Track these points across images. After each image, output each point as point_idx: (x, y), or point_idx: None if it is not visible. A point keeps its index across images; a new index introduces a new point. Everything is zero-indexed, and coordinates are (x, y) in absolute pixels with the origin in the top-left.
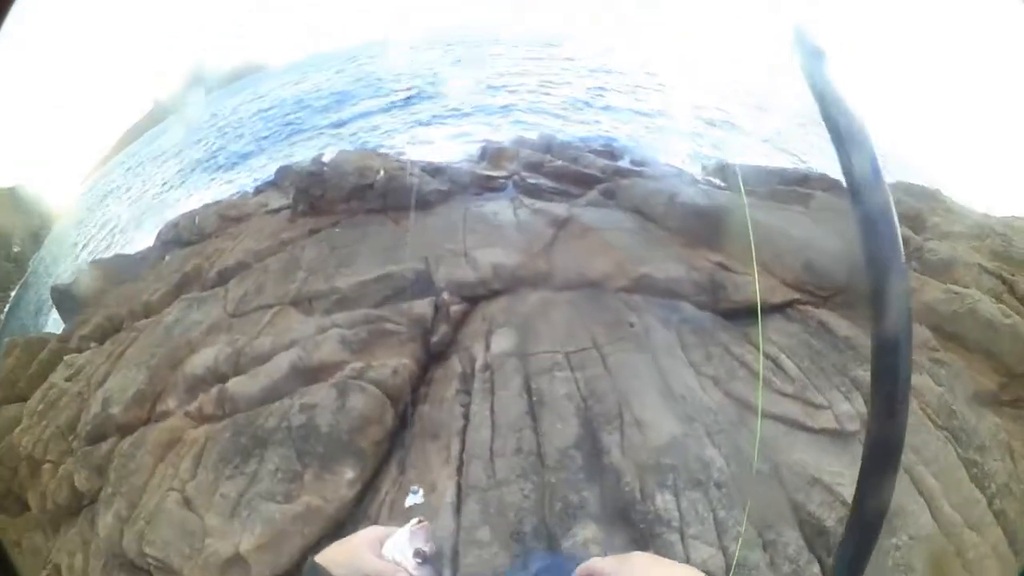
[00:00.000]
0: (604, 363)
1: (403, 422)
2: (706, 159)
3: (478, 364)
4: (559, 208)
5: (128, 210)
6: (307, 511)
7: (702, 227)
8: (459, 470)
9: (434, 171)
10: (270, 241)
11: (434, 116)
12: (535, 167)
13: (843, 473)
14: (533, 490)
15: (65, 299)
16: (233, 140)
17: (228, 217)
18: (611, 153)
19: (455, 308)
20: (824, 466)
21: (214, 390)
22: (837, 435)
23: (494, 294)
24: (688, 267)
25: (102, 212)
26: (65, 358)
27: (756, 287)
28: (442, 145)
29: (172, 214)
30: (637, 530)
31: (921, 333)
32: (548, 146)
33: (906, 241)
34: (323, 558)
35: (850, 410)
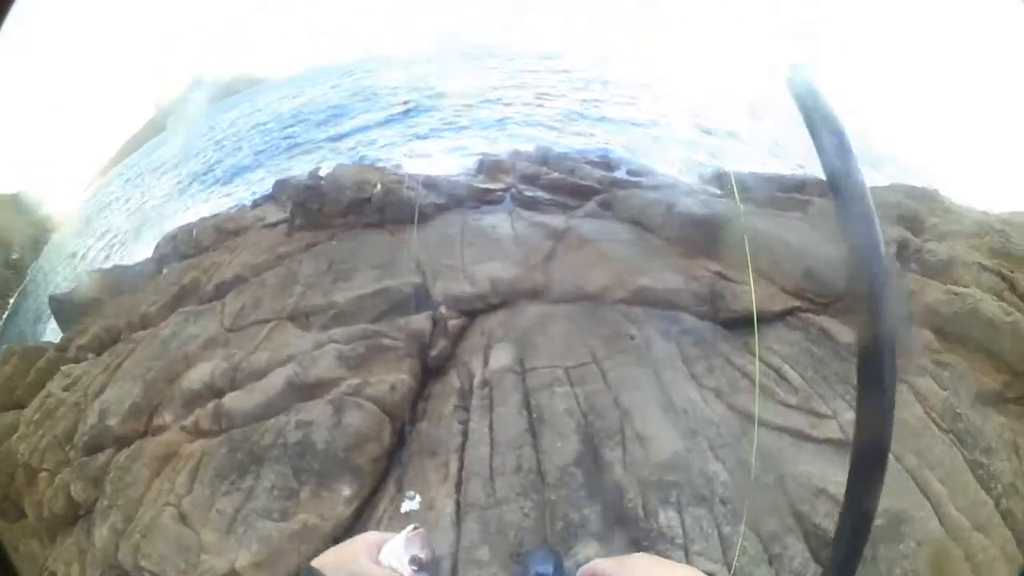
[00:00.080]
0: (604, 378)
1: (401, 439)
2: (703, 167)
3: (476, 380)
4: (556, 220)
5: (127, 221)
6: (304, 529)
7: (700, 236)
8: (458, 488)
9: (431, 184)
10: (267, 255)
11: (431, 129)
12: (532, 179)
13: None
14: (533, 508)
15: (63, 308)
16: (231, 153)
17: (226, 230)
18: (607, 164)
19: (453, 323)
20: (829, 476)
21: (210, 405)
22: (842, 445)
23: (492, 308)
24: (687, 277)
25: (101, 222)
26: (62, 368)
27: (752, 297)
28: (439, 158)
29: (170, 226)
30: (640, 548)
31: (923, 336)
32: (544, 158)
33: (905, 244)
34: (320, 563)
35: (852, 416)
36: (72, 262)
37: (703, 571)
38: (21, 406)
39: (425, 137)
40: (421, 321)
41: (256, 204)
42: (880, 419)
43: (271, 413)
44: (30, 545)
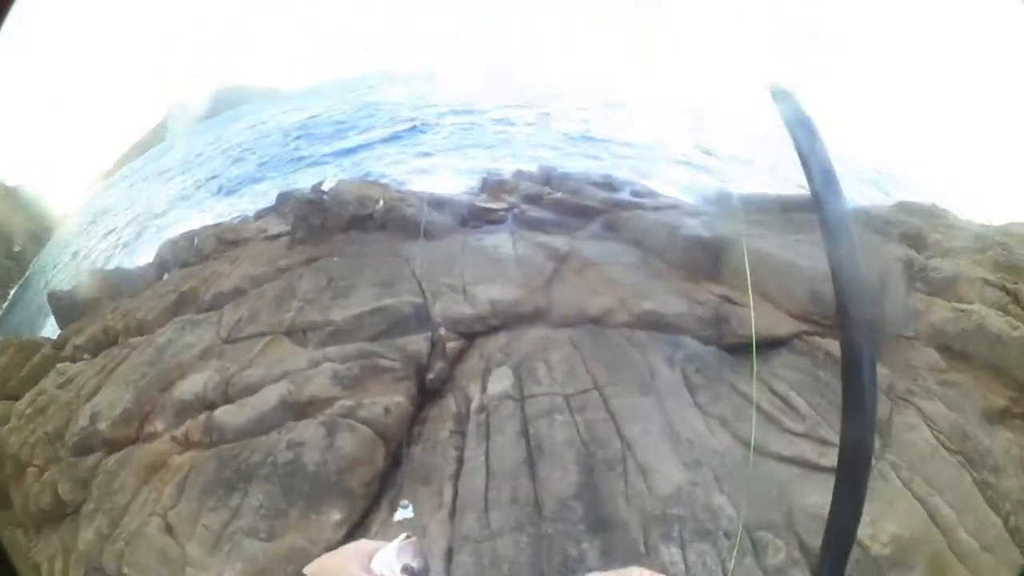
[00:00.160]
0: (606, 406)
1: (395, 462)
2: (706, 188)
3: (474, 405)
4: (559, 241)
5: (130, 224)
6: (291, 551)
7: (704, 259)
8: (451, 518)
9: (433, 202)
10: (267, 267)
11: (434, 147)
12: (535, 199)
13: None
14: (529, 543)
15: (62, 306)
16: (236, 163)
17: (227, 240)
18: (611, 185)
19: (452, 345)
20: None
21: (202, 417)
22: None
23: (492, 330)
24: (691, 301)
25: (105, 223)
26: (58, 365)
27: (752, 322)
28: (442, 176)
29: (172, 233)
30: None
31: (929, 356)
32: (547, 178)
33: (910, 263)
34: (311, 571)
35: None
36: (74, 260)
37: None
38: (14, 398)
39: (429, 155)
40: (419, 342)
41: (259, 215)
42: (862, 426)
43: (262, 430)
44: (14, 535)
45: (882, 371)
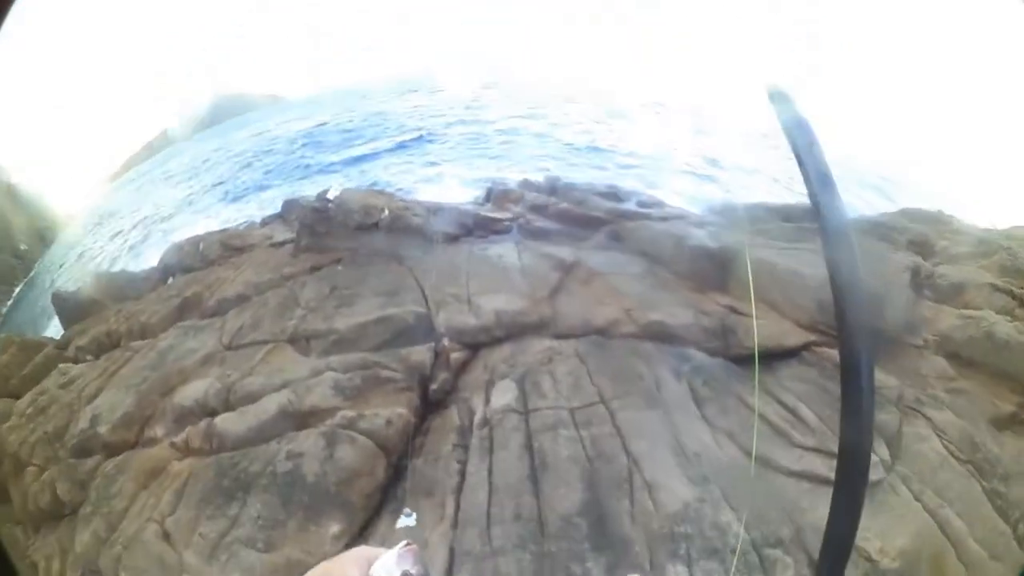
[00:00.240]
0: (612, 420)
1: (397, 474)
2: (712, 198)
3: (477, 418)
4: (564, 252)
5: (137, 227)
6: (288, 563)
7: (711, 269)
8: (452, 533)
9: (438, 212)
10: (271, 274)
11: (440, 157)
12: (540, 209)
13: (868, 527)
14: (532, 561)
15: (66, 306)
16: (242, 171)
17: (232, 246)
18: (616, 195)
19: (455, 355)
20: None
21: (202, 424)
22: None
23: (496, 341)
24: (697, 312)
25: (111, 225)
26: (60, 366)
27: (755, 332)
28: (447, 186)
29: (178, 237)
30: None
31: (937, 364)
32: (553, 188)
33: (917, 270)
34: None
35: (872, 458)
36: (80, 261)
37: None
38: (14, 396)
39: (435, 164)
40: (422, 353)
41: (265, 222)
42: (860, 430)
43: (262, 439)
44: (13, 531)
45: (891, 381)
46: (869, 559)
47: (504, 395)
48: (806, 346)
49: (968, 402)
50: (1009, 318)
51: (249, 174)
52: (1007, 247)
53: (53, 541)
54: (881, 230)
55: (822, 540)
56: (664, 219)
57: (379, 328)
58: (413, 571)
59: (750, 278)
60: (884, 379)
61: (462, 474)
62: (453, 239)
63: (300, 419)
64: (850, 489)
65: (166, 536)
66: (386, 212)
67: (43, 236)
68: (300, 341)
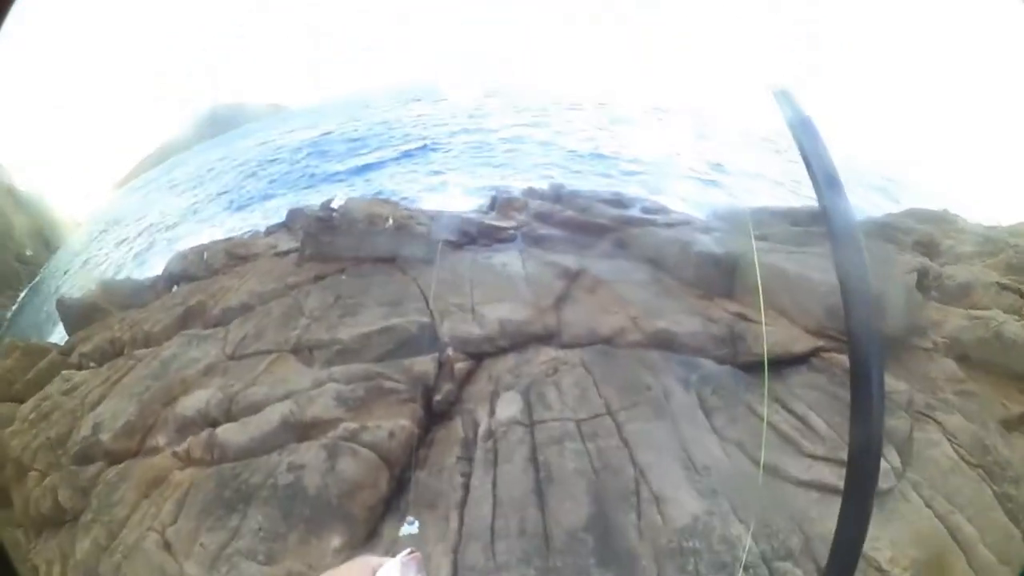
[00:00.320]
0: (619, 432)
1: (400, 486)
2: (716, 203)
3: (481, 430)
4: (569, 260)
5: (142, 234)
6: None
7: (717, 276)
8: (456, 548)
9: (442, 221)
10: (276, 284)
11: (445, 166)
12: (545, 217)
13: (878, 536)
14: None
15: (70, 313)
16: (248, 179)
17: (236, 255)
18: (621, 202)
19: (460, 366)
20: None
21: (204, 434)
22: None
23: (501, 351)
24: (705, 319)
25: (116, 232)
26: (63, 372)
27: (764, 339)
28: (452, 194)
29: (183, 245)
30: None
31: (946, 366)
32: (557, 196)
33: (925, 271)
34: None
35: (884, 466)
36: (84, 268)
37: None
38: (18, 400)
39: (440, 172)
40: (426, 363)
41: (269, 231)
42: (869, 435)
43: (264, 450)
44: (14, 534)
45: (901, 386)
46: (880, 569)
47: (509, 407)
48: (815, 352)
49: (978, 404)
50: (1017, 317)
51: (254, 183)
52: (1013, 244)
53: (54, 546)
54: (887, 231)
55: (830, 548)
56: (669, 225)
57: (382, 338)
58: None
59: (759, 283)
60: (894, 384)
61: (466, 487)
62: (457, 248)
63: (302, 430)
64: (859, 496)
65: (167, 546)
66: (390, 221)
67: (48, 241)
68: (303, 351)
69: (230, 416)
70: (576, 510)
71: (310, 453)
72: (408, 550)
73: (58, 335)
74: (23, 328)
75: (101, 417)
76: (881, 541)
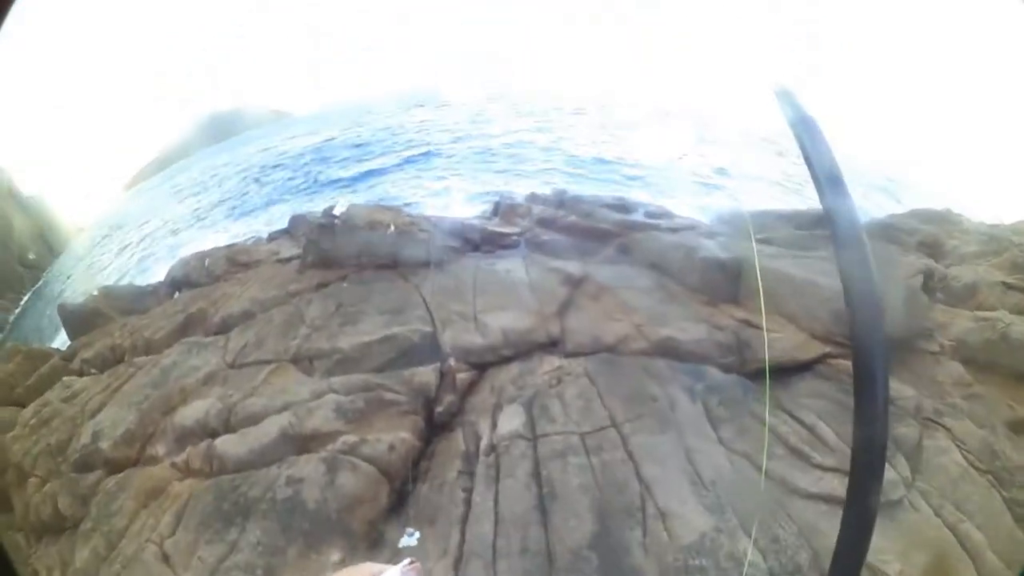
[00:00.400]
0: (624, 445)
1: (400, 498)
2: (720, 207)
3: (483, 444)
4: (573, 266)
5: (144, 240)
6: None
7: (722, 281)
8: (456, 566)
9: (445, 227)
10: (277, 291)
11: (448, 171)
12: (548, 223)
13: (887, 548)
14: None
15: (72, 319)
16: (251, 185)
17: (238, 262)
18: (624, 207)
19: (462, 376)
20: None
21: (203, 444)
22: (881, 505)
23: (504, 360)
24: (710, 326)
25: (119, 238)
26: (64, 378)
27: (765, 342)
28: (455, 200)
29: (186, 251)
30: None
31: (954, 369)
32: (561, 201)
33: (930, 273)
34: None
35: (893, 476)
36: (87, 273)
37: None
38: (19, 404)
39: (443, 178)
40: (427, 374)
41: (271, 238)
42: (873, 440)
43: (263, 462)
44: (15, 538)
45: (908, 392)
46: None
47: (511, 420)
48: (822, 359)
49: (985, 408)
50: (1023, 316)
51: (257, 189)
52: (1018, 243)
53: (54, 553)
54: (890, 232)
55: (832, 558)
56: (673, 230)
57: (383, 347)
58: None
59: (760, 288)
60: (901, 389)
61: (467, 503)
62: (460, 254)
63: (301, 443)
64: (861, 504)
65: (165, 558)
66: (392, 228)
67: (51, 245)
68: (303, 361)
69: (229, 427)
70: (580, 527)
71: (309, 466)
72: (408, 560)
73: (60, 340)
74: (25, 332)
75: (101, 425)
76: (890, 553)
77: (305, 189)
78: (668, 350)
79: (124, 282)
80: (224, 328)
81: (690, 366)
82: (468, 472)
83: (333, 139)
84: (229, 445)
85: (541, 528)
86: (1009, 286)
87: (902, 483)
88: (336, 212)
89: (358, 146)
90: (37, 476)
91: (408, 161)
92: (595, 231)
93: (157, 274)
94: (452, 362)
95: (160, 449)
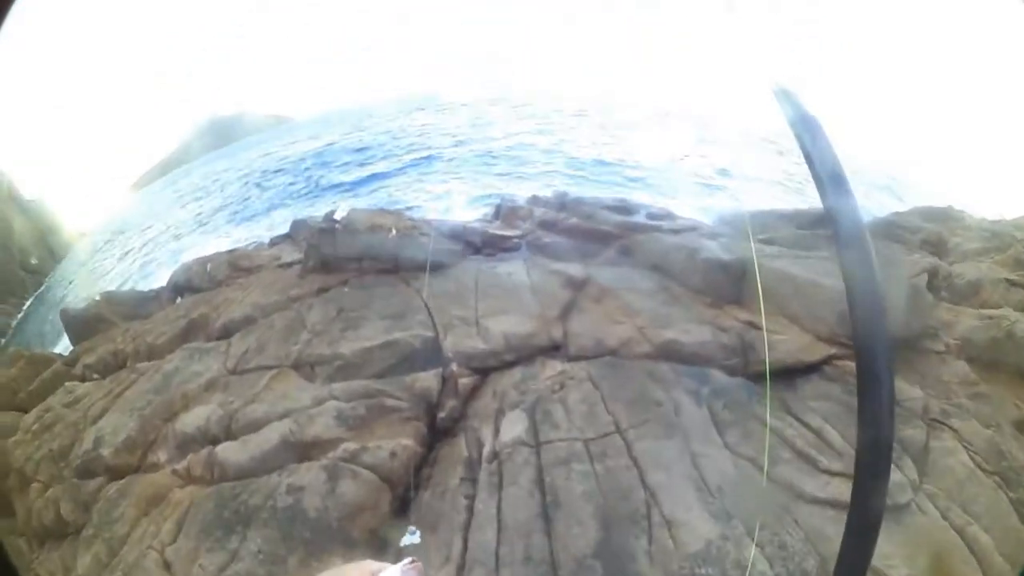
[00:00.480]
0: (629, 451)
1: (403, 505)
2: (722, 208)
3: (486, 451)
4: (575, 269)
5: (147, 245)
6: None
7: (726, 282)
8: (459, 574)
9: (446, 230)
10: (279, 296)
11: (449, 175)
12: (549, 225)
13: (894, 554)
14: None
15: (75, 324)
16: (253, 190)
17: (240, 267)
18: (626, 208)
19: (464, 381)
20: (878, 552)
21: (204, 451)
22: (888, 509)
23: (506, 365)
24: (714, 328)
25: (121, 243)
26: (66, 384)
27: (765, 343)
28: (456, 203)
29: (188, 256)
30: None
31: (959, 369)
32: (562, 203)
33: (935, 271)
34: None
35: (900, 479)
36: (90, 278)
37: None
38: (21, 409)
39: (444, 182)
40: (429, 379)
41: (273, 242)
42: (879, 443)
43: (264, 470)
44: (17, 543)
45: (915, 392)
46: None
47: (514, 427)
48: (828, 360)
49: (992, 407)
50: None
51: (259, 194)
52: (1021, 239)
53: (56, 558)
54: (894, 231)
55: (836, 563)
56: (675, 231)
57: (385, 353)
58: None
59: (759, 288)
60: (908, 391)
61: (470, 510)
62: (461, 257)
63: (302, 450)
64: (866, 507)
65: (167, 566)
66: (394, 231)
67: (53, 250)
68: (305, 366)
69: (230, 434)
70: (584, 535)
71: (310, 474)
72: (409, 559)
73: (63, 345)
74: (28, 337)
75: (103, 431)
76: (895, 558)
77: (307, 194)
78: (672, 353)
79: (126, 287)
80: (226, 333)
81: (694, 369)
82: (471, 479)
83: (334, 143)
84: (230, 452)
85: (544, 536)
86: (1013, 283)
87: (909, 486)
88: (337, 216)
89: (359, 150)
90: (39, 481)
91: (409, 165)
92: (597, 233)
93: (159, 279)
94: (454, 367)
95: (161, 456)
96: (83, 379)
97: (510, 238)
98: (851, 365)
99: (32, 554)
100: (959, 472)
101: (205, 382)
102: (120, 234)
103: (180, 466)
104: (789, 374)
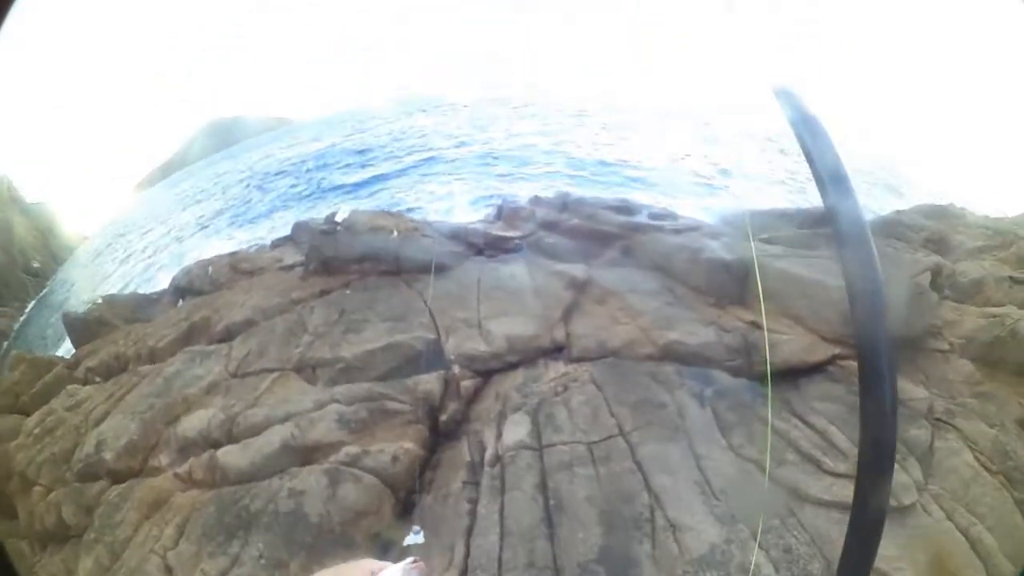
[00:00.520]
0: (632, 454)
1: (405, 509)
2: (724, 208)
3: (488, 454)
4: (577, 269)
5: (148, 248)
6: None
7: (729, 283)
8: None
9: (448, 232)
10: (280, 299)
11: (451, 176)
12: (551, 226)
13: (900, 556)
14: None
15: (77, 327)
16: (254, 192)
17: (241, 269)
18: (628, 209)
19: (466, 383)
20: (880, 551)
21: (205, 455)
22: (893, 511)
23: (509, 367)
24: (718, 329)
25: (123, 246)
26: (68, 387)
27: (766, 346)
28: (458, 204)
29: (190, 259)
30: None
31: (963, 367)
32: (564, 204)
33: (939, 270)
34: None
35: (906, 480)
36: (91, 281)
37: None
38: (23, 413)
39: (446, 183)
40: (431, 382)
41: (275, 245)
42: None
43: (265, 474)
44: (19, 545)
45: (920, 392)
46: None
47: (517, 430)
48: (832, 360)
49: (996, 406)
50: None
51: (260, 196)
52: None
53: (58, 561)
54: (896, 229)
55: (839, 564)
56: (677, 231)
57: (386, 356)
58: None
59: (759, 287)
60: (913, 391)
61: (472, 515)
62: (463, 259)
63: (303, 454)
64: (868, 507)
65: (168, 570)
66: (395, 233)
67: (55, 254)
68: (306, 369)
69: (231, 438)
70: (587, 540)
71: (311, 478)
72: (412, 559)
73: (65, 348)
74: (30, 340)
75: (104, 435)
76: (902, 560)
77: (308, 196)
78: (675, 354)
79: (128, 290)
80: (227, 336)
81: (698, 370)
82: (473, 483)
83: (336, 145)
84: (231, 456)
85: (547, 541)
86: (1016, 280)
87: (915, 487)
88: (339, 218)
89: (360, 152)
90: (41, 485)
91: (411, 166)
92: (598, 233)
93: (161, 282)
94: (456, 370)
95: (163, 459)
96: (85, 382)
97: (512, 239)
98: (855, 365)
99: (34, 557)
100: (964, 472)
101: (206, 385)
102: (121, 237)
103: (181, 470)
104: (794, 374)
